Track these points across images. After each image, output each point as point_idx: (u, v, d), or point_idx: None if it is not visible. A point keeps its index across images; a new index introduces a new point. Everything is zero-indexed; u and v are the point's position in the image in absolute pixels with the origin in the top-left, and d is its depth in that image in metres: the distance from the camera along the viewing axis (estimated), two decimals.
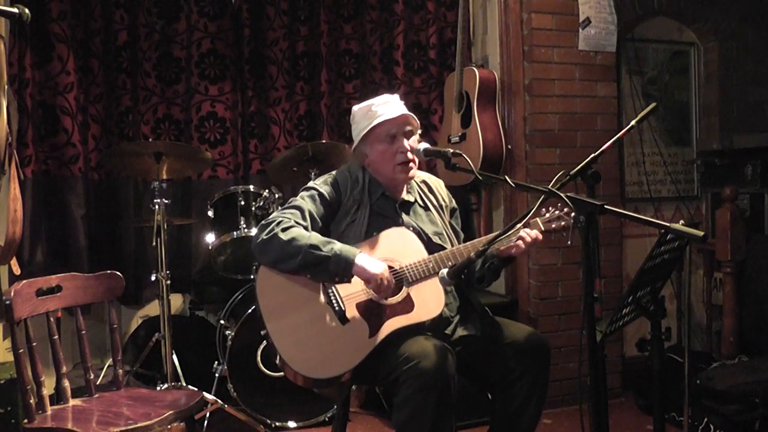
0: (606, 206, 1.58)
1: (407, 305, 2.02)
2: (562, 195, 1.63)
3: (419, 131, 2.24)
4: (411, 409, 1.82)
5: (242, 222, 3.17)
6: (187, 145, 3.49)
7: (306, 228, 2.03)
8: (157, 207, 2.94)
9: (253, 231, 3.12)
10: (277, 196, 3.20)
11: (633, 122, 1.83)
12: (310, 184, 2.18)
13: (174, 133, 3.68)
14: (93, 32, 3.49)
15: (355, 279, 2.01)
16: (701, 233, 1.49)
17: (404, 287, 2.04)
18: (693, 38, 3.90)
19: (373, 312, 1.99)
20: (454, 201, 2.37)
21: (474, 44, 3.93)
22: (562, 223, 2.11)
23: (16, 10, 1.91)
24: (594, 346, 1.59)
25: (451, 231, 2.26)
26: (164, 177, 3.01)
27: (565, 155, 3.39)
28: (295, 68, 3.84)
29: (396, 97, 2.25)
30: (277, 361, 1.99)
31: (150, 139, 3.56)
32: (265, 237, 1.99)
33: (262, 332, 1.99)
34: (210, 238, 3.23)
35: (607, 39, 3.46)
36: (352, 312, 1.98)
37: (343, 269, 1.95)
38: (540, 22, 3.36)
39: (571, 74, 3.42)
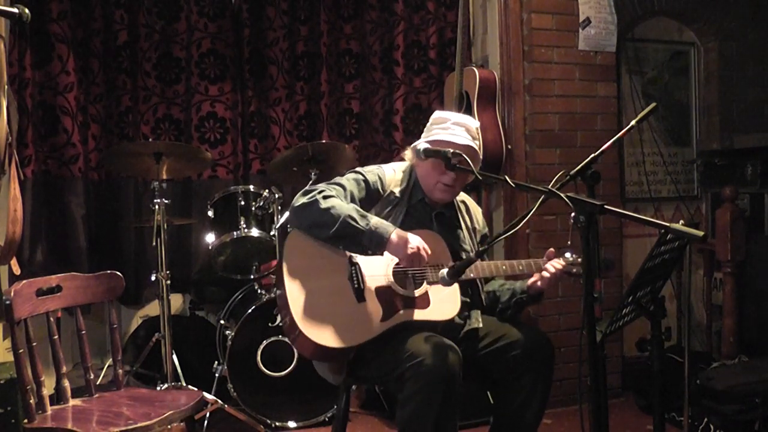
0: (606, 206, 1.58)
1: (423, 301, 2.04)
2: (562, 195, 1.64)
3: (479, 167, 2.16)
4: (416, 405, 1.83)
5: (242, 222, 3.17)
6: (187, 145, 3.48)
7: None
8: (157, 207, 2.94)
9: (254, 231, 3.15)
10: (277, 196, 3.20)
11: (633, 122, 1.84)
12: (358, 168, 2.22)
13: (174, 133, 3.68)
14: (93, 32, 3.49)
15: (382, 263, 2.04)
16: (701, 233, 1.49)
17: (425, 284, 2.06)
18: (693, 38, 3.90)
19: (390, 299, 2.02)
20: (486, 228, 2.41)
21: (474, 44, 3.92)
22: (574, 270, 2.12)
23: (16, 10, 1.91)
24: (594, 346, 1.59)
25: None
26: (164, 177, 3.01)
27: (565, 155, 3.38)
28: (295, 68, 3.83)
29: (476, 126, 2.21)
30: (282, 323, 2.01)
31: (150, 139, 3.56)
32: (306, 201, 2.01)
33: (277, 292, 2.02)
34: (210, 238, 3.23)
35: (607, 39, 3.46)
36: (370, 293, 2.01)
37: (378, 243, 1.97)
38: (540, 22, 3.36)
39: (571, 74, 3.42)
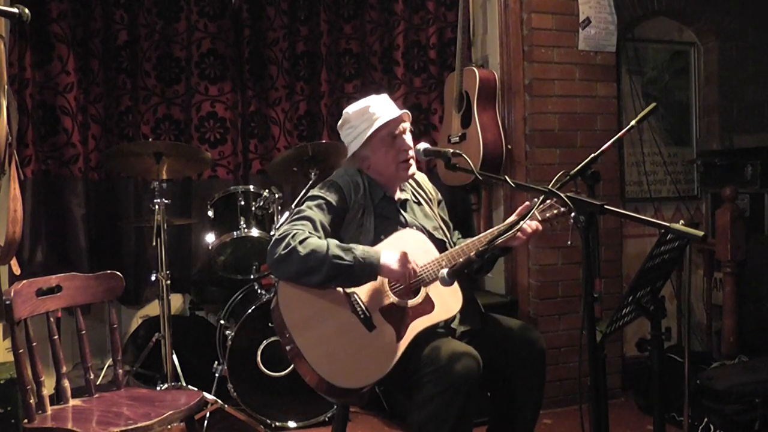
0: (606, 206, 1.58)
1: (428, 305, 2.02)
2: (562, 195, 1.64)
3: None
4: (435, 407, 1.82)
5: (242, 222, 3.16)
6: (187, 145, 3.48)
7: (320, 238, 2.00)
8: (157, 207, 2.94)
9: (254, 231, 3.14)
10: (277, 196, 3.20)
11: (633, 122, 1.84)
12: (315, 192, 2.14)
13: (174, 133, 3.68)
14: (93, 32, 3.49)
15: (378, 283, 2.00)
16: (701, 233, 1.49)
17: (422, 288, 2.04)
18: (693, 38, 3.90)
19: (397, 316, 1.98)
20: (439, 193, 2.41)
21: (474, 44, 3.93)
22: (554, 211, 2.13)
23: (16, 10, 1.91)
24: (594, 346, 1.59)
25: (442, 223, 2.29)
26: (164, 177, 3.01)
27: (565, 155, 3.39)
28: (295, 68, 3.83)
29: (385, 95, 2.25)
30: (305, 375, 1.92)
31: (150, 139, 3.55)
32: (283, 252, 1.92)
33: (288, 347, 1.93)
34: (210, 238, 3.22)
35: (607, 39, 3.46)
36: (377, 317, 1.97)
37: (369, 273, 1.94)
38: (540, 22, 3.36)
39: (571, 74, 3.42)
